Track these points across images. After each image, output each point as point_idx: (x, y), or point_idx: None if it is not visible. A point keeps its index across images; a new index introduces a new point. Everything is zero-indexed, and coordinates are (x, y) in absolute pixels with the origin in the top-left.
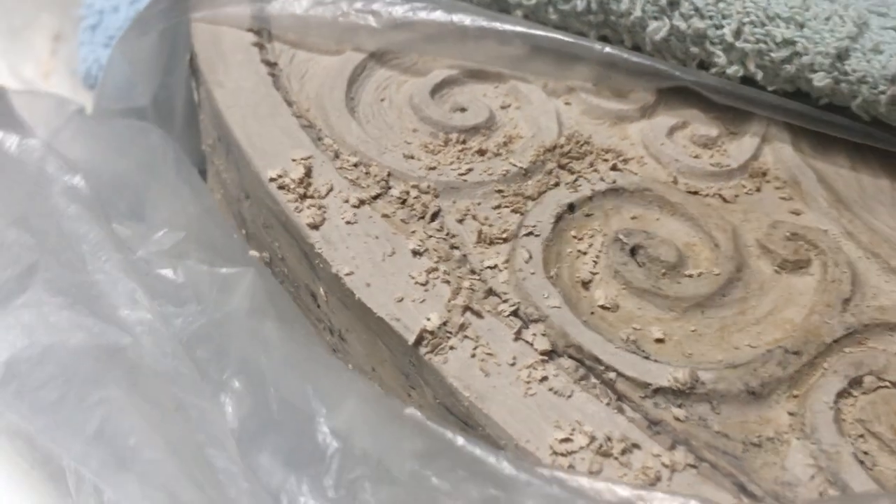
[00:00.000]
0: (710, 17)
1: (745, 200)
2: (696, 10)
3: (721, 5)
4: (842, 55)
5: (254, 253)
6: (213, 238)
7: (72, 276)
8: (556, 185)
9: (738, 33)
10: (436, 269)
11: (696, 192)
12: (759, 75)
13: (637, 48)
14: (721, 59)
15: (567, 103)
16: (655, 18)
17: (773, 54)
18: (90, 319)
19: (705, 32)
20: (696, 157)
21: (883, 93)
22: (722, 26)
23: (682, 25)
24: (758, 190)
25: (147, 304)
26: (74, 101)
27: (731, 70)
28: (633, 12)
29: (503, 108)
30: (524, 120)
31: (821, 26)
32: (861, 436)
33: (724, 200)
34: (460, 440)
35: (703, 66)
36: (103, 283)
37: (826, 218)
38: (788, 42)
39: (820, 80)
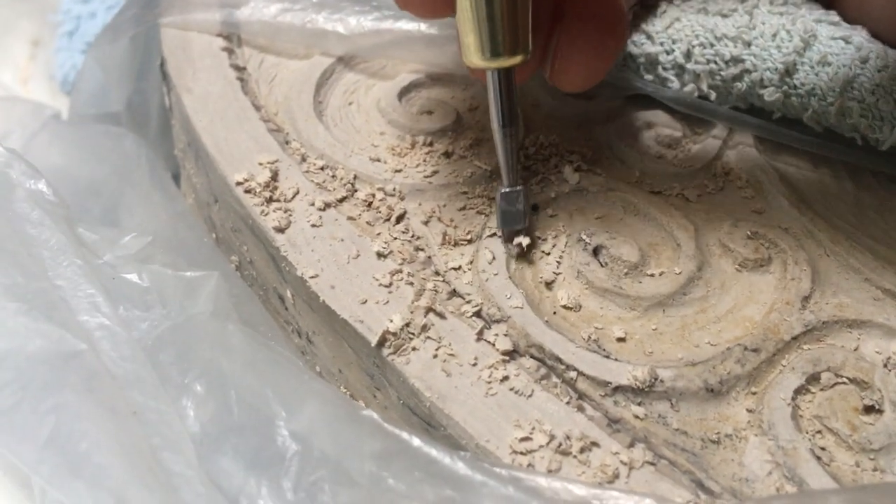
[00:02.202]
0: (661, 43)
1: (708, 200)
2: (648, 36)
3: (670, 31)
4: (790, 69)
5: (234, 258)
6: (184, 242)
7: (31, 282)
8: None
9: (688, 55)
10: (400, 271)
11: (659, 192)
12: (713, 95)
13: None
14: (674, 83)
15: (534, 105)
16: None
17: (723, 73)
18: (48, 325)
19: (657, 58)
20: (660, 157)
21: (832, 104)
22: (673, 50)
23: (635, 52)
24: (720, 189)
25: (107, 310)
26: (50, 106)
27: (685, 91)
28: None
29: (471, 110)
30: None
31: (767, 43)
32: (818, 432)
33: (687, 200)
34: (416, 441)
35: None
36: (64, 289)
37: (787, 216)
38: (737, 60)
39: (770, 95)
